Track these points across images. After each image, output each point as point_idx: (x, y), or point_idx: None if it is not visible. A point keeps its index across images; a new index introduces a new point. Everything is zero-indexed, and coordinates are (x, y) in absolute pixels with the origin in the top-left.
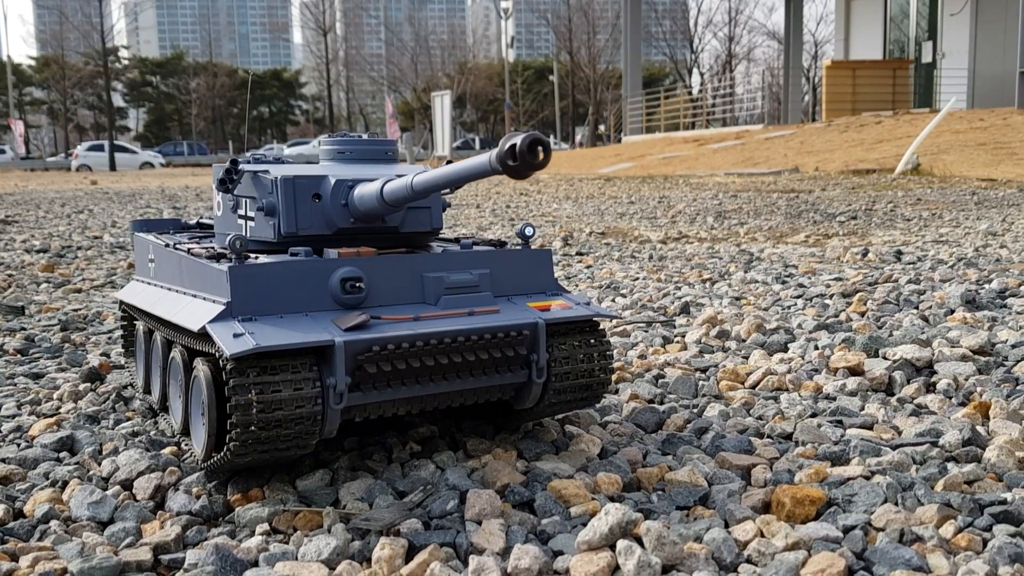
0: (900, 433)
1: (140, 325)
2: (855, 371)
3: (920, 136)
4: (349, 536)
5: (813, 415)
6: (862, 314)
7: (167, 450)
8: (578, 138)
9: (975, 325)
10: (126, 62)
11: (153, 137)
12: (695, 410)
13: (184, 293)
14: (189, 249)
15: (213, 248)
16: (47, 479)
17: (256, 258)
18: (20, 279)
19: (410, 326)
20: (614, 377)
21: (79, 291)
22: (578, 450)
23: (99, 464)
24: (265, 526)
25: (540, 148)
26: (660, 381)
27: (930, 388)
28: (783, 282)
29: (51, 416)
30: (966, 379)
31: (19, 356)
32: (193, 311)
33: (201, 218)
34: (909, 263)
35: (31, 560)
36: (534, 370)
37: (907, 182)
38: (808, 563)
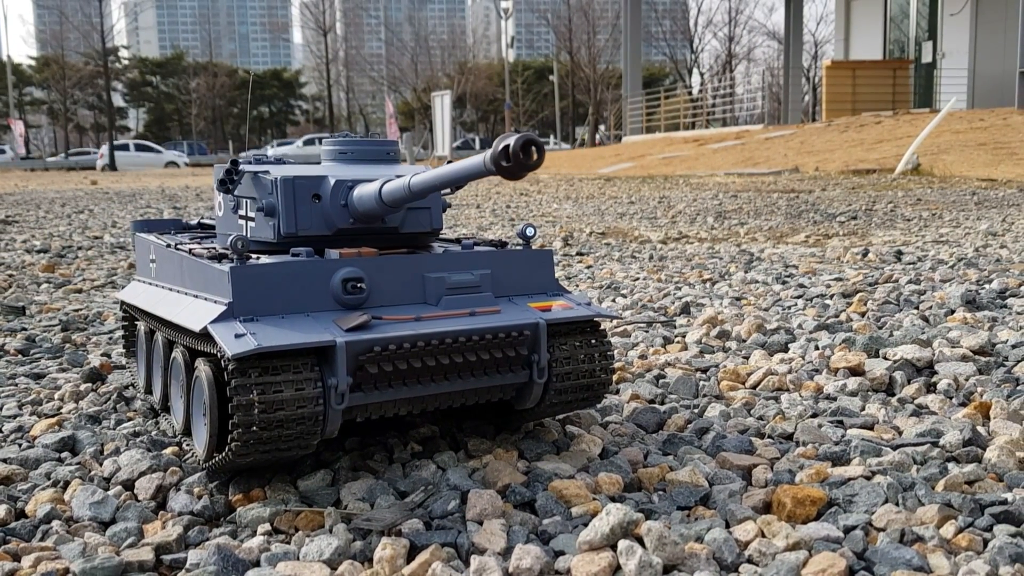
0: (901, 433)
1: (141, 325)
2: (856, 371)
3: (920, 136)
4: (351, 536)
5: (814, 415)
6: (862, 314)
7: (168, 450)
8: (582, 136)
9: (975, 325)
10: (126, 62)
11: (153, 137)
12: (696, 410)
13: (185, 293)
14: (190, 249)
15: (214, 248)
16: (48, 479)
17: (257, 258)
18: (21, 279)
19: (411, 326)
20: (615, 377)
21: (80, 291)
22: (579, 450)
23: (100, 464)
24: (267, 526)
25: (533, 149)
26: (661, 381)
27: (930, 388)
28: (783, 282)
29: (52, 416)
30: (966, 379)
31: (20, 356)
32: (195, 311)
33: (202, 218)
34: (909, 263)
35: (33, 560)
36: (535, 370)
37: (907, 182)
38: (809, 563)
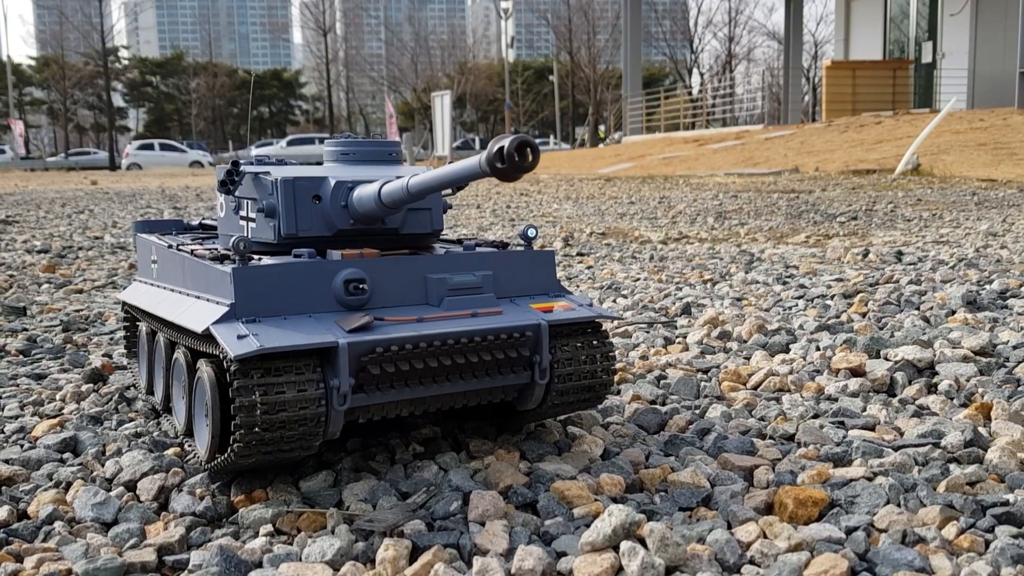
0: (902, 434)
1: (143, 326)
2: (857, 372)
3: (920, 136)
4: (353, 537)
5: (815, 416)
6: (863, 315)
7: (170, 451)
8: (582, 136)
9: (976, 326)
10: (126, 62)
11: (153, 137)
12: (697, 411)
13: (187, 294)
14: (192, 250)
15: (216, 249)
16: (51, 480)
17: (259, 260)
18: (21, 280)
19: (413, 327)
20: (616, 378)
21: (80, 292)
22: (580, 451)
23: (102, 465)
24: (269, 527)
25: (528, 150)
26: (662, 382)
27: (932, 389)
28: (784, 283)
29: (54, 417)
30: (967, 380)
31: (21, 357)
32: (197, 312)
33: (204, 219)
34: (910, 264)
35: (36, 561)
36: (537, 371)
37: (907, 182)
38: (811, 564)
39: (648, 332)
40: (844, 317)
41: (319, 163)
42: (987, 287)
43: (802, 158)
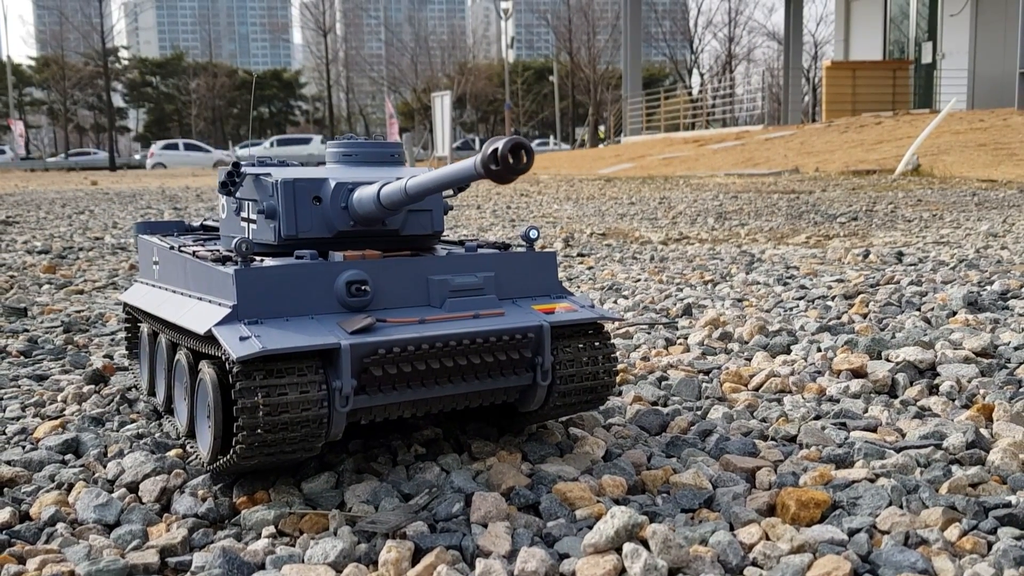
0: (904, 435)
1: (145, 327)
2: (858, 373)
3: (920, 137)
4: (355, 539)
5: (817, 417)
6: (864, 316)
7: (172, 452)
8: (582, 137)
9: (977, 327)
10: (126, 62)
11: (153, 137)
12: (699, 412)
13: (189, 296)
14: (194, 252)
15: (218, 251)
16: (53, 481)
17: (261, 261)
18: (22, 280)
19: (415, 329)
20: (617, 379)
21: (81, 292)
22: (582, 452)
23: (104, 466)
24: (271, 529)
25: (523, 153)
26: (663, 383)
27: (933, 390)
28: (785, 283)
29: (56, 418)
30: (969, 381)
31: (22, 358)
32: (199, 314)
33: (205, 220)
34: (910, 264)
35: (38, 563)
36: (539, 373)
37: (907, 183)
38: (814, 566)
39: (649, 333)
40: (845, 318)
41: (322, 164)
42: (988, 288)
43: (802, 158)
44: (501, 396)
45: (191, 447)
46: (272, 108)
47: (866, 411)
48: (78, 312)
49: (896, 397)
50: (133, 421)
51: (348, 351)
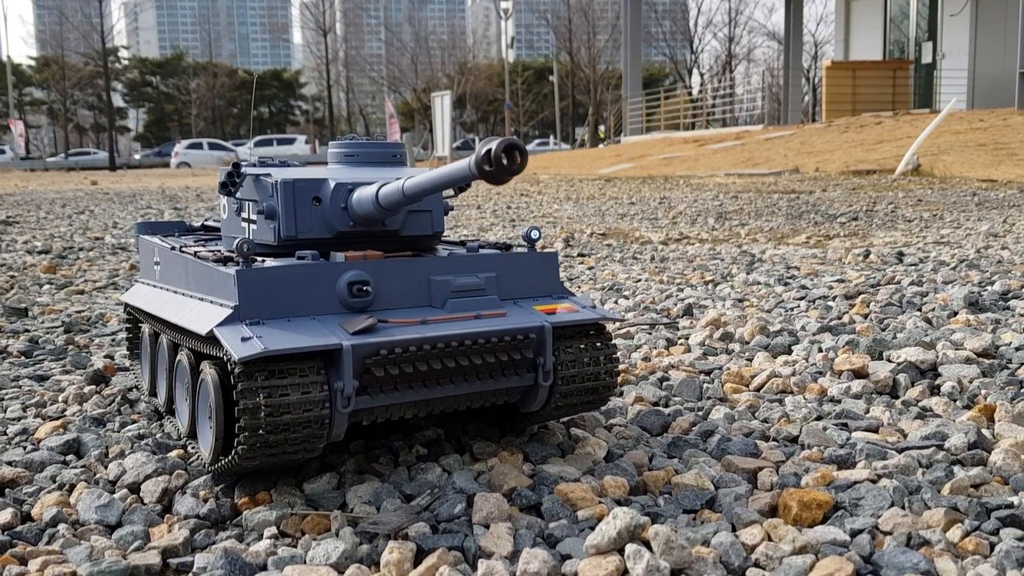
0: (905, 436)
1: (146, 328)
2: (859, 374)
3: (920, 137)
4: (357, 540)
5: (818, 418)
6: (865, 316)
7: (174, 453)
8: (582, 137)
9: (978, 327)
10: (126, 62)
11: (153, 137)
12: (700, 413)
13: (191, 296)
14: (196, 252)
15: (220, 251)
16: (54, 482)
17: (263, 261)
18: (22, 280)
19: (417, 329)
20: (618, 380)
21: (81, 292)
22: (584, 453)
23: (106, 467)
24: (273, 529)
25: (516, 153)
26: (664, 384)
27: (934, 391)
28: (785, 284)
29: (57, 419)
30: (970, 382)
31: (23, 358)
32: (200, 315)
33: (206, 220)
34: (911, 265)
35: (40, 564)
36: (540, 373)
37: (907, 183)
38: (816, 567)
39: (650, 333)
40: (846, 318)
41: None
42: (988, 288)
43: (802, 158)
44: (503, 397)
45: (192, 448)
46: (272, 108)
47: (867, 412)
48: (79, 312)
49: (897, 397)
50: (134, 422)
51: (350, 352)
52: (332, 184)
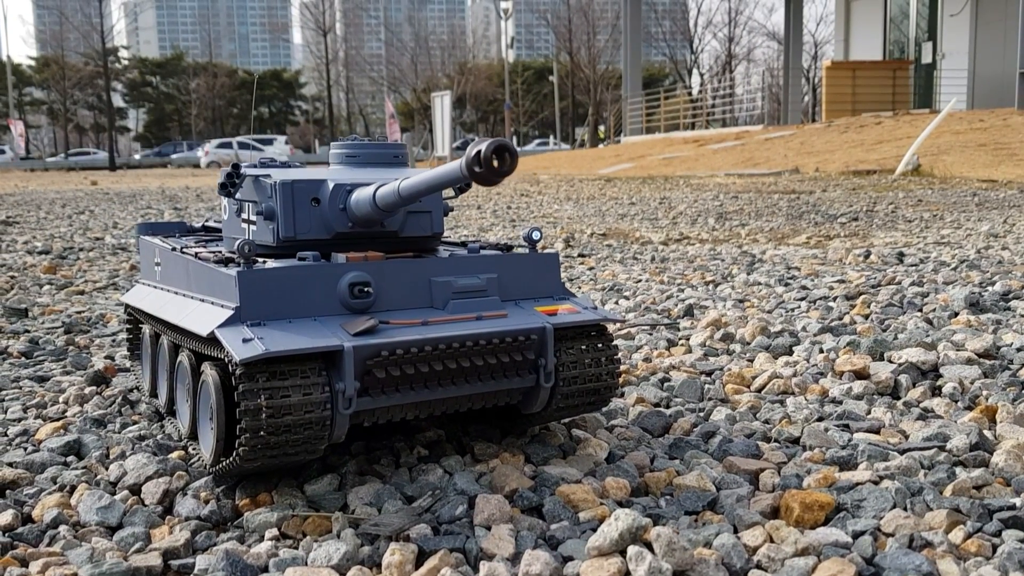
0: (907, 437)
1: (147, 329)
2: (860, 374)
3: (920, 137)
4: (359, 541)
5: (820, 419)
6: (866, 317)
7: (175, 454)
8: (582, 137)
9: (979, 328)
10: (126, 62)
11: (153, 137)
12: (701, 414)
13: (192, 297)
14: (196, 253)
15: (221, 252)
16: (55, 483)
17: (264, 263)
18: (22, 281)
19: (418, 331)
20: (619, 380)
21: (82, 293)
22: (585, 454)
23: (107, 468)
24: (274, 531)
25: (507, 155)
26: (666, 384)
27: (936, 392)
28: (786, 284)
29: (57, 420)
30: (972, 383)
31: (23, 359)
32: (201, 316)
33: (207, 221)
34: (911, 265)
35: (41, 566)
36: (542, 374)
37: (908, 183)
38: (818, 569)
39: (651, 334)
40: (847, 319)
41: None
42: (989, 289)
43: (802, 159)
44: (504, 398)
45: (193, 449)
46: (272, 108)
47: (869, 413)
48: (79, 313)
49: (899, 398)
50: (135, 423)
51: (351, 353)
52: (331, 185)
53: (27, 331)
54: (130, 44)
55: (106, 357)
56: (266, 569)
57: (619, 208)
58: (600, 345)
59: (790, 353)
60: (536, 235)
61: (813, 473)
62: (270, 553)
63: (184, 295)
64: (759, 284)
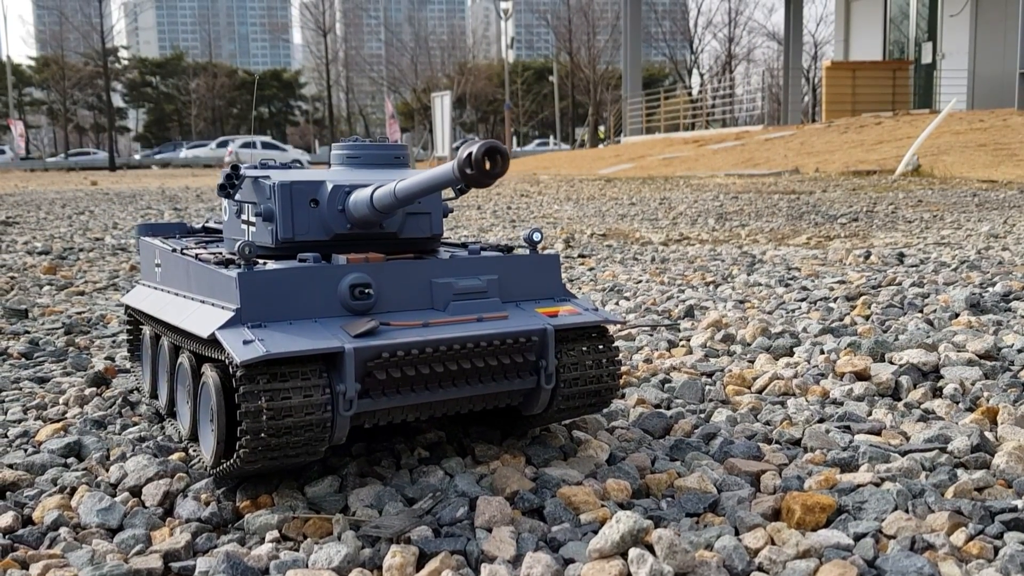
0: (908, 439)
1: (147, 330)
2: (861, 376)
3: (920, 137)
4: (359, 543)
5: (821, 420)
6: (866, 317)
7: (175, 456)
8: (582, 137)
9: (980, 329)
10: (126, 62)
11: (153, 137)
12: (702, 415)
13: (192, 299)
14: (197, 255)
15: (221, 253)
16: (55, 485)
17: (264, 264)
18: (22, 281)
19: (419, 332)
20: (620, 381)
21: (82, 293)
22: (586, 456)
23: (107, 470)
24: (275, 533)
25: (499, 157)
26: (666, 386)
27: (937, 393)
28: (786, 285)
29: (57, 421)
30: (973, 384)
31: (23, 360)
32: (202, 317)
33: (207, 222)
34: (912, 266)
35: (41, 568)
36: (543, 376)
37: (908, 183)
38: (820, 571)
39: (652, 335)
40: (847, 320)
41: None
42: (990, 289)
43: (802, 159)
44: (505, 399)
45: (194, 450)
46: (272, 108)
47: (870, 414)
48: (79, 313)
49: (900, 400)
50: (135, 424)
51: (352, 355)
52: (329, 186)
53: (27, 332)
54: (130, 44)
55: (106, 358)
56: (267, 571)
57: (619, 208)
58: (601, 346)
59: (791, 354)
60: (537, 236)
61: (814, 475)
62: (271, 555)
63: (184, 296)
64: (759, 285)
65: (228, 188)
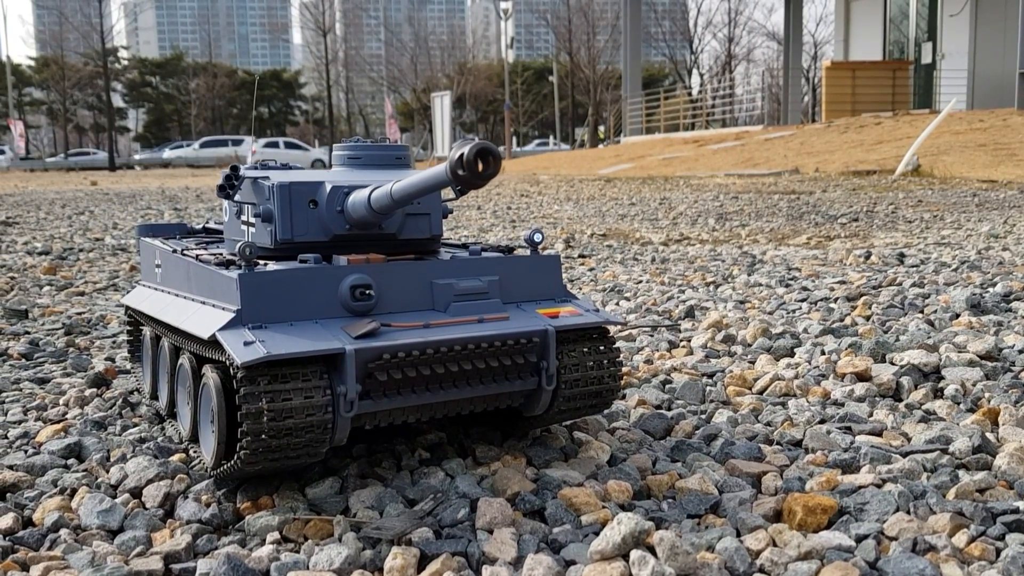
0: (909, 440)
1: (147, 331)
2: (862, 376)
3: (920, 137)
4: (360, 545)
5: (822, 421)
6: (867, 318)
7: (175, 457)
8: (582, 137)
9: (981, 330)
10: (126, 62)
11: (153, 138)
12: (703, 416)
13: (192, 300)
14: (197, 255)
15: (221, 254)
16: (55, 486)
17: (265, 265)
18: (22, 282)
19: (420, 333)
20: (621, 382)
21: (82, 294)
22: (587, 457)
23: (107, 471)
24: (276, 534)
25: (491, 158)
26: (667, 386)
27: (938, 394)
28: (787, 285)
29: (58, 422)
30: (974, 385)
31: (24, 360)
32: (202, 318)
33: (207, 222)
34: (912, 266)
35: (42, 570)
36: (544, 377)
37: (908, 183)
38: (821, 573)
39: (652, 335)
40: (848, 320)
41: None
42: (990, 290)
43: (802, 159)
44: (506, 400)
45: (194, 452)
46: (272, 108)
47: (871, 415)
48: (79, 314)
49: (901, 400)
50: (136, 425)
51: (353, 356)
52: (328, 187)
53: (27, 332)
54: (130, 44)
55: (107, 359)
56: (268, 573)
57: (619, 208)
58: (602, 347)
59: (792, 355)
60: (538, 237)
61: (816, 476)
62: (272, 557)
63: (185, 297)
64: (760, 285)
65: (227, 189)
